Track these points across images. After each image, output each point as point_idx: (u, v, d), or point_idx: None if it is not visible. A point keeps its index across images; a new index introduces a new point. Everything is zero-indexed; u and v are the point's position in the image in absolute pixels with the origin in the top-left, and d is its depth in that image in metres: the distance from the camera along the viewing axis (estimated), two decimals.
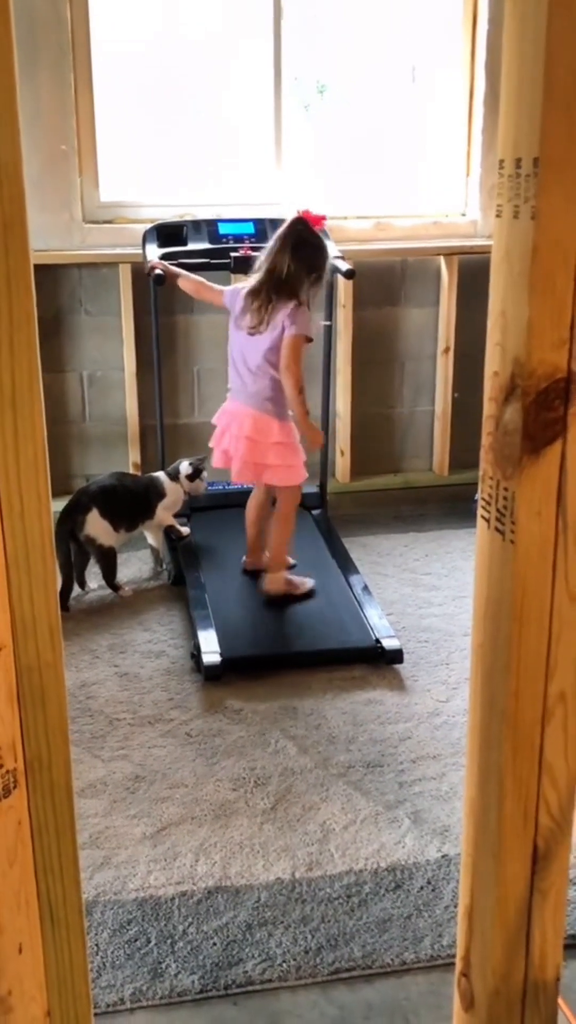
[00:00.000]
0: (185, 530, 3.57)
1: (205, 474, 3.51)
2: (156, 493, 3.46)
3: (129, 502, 3.39)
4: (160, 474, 3.52)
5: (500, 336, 0.95)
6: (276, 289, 2.95)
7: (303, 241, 2.95)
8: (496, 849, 1.07)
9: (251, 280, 3.03)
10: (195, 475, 3.47)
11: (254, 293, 2.99)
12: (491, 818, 1.07)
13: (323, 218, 3.03)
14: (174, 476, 3.48)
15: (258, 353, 3.01)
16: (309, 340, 2.98)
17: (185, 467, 3.48)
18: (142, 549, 3.66)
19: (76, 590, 3.33)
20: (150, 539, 3.60)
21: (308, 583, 3.21)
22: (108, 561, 3.33)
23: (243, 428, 3.06)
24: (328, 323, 3.79)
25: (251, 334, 3.02)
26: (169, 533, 3.55)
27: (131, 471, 4.01)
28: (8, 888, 1.02)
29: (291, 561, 3.27)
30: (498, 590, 1.01)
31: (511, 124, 0.90)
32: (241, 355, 3.06)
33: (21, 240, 0.86)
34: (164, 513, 3.47)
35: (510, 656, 1.00)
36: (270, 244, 3.02)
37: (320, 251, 2.98)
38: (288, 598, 3.15)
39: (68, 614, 3.21)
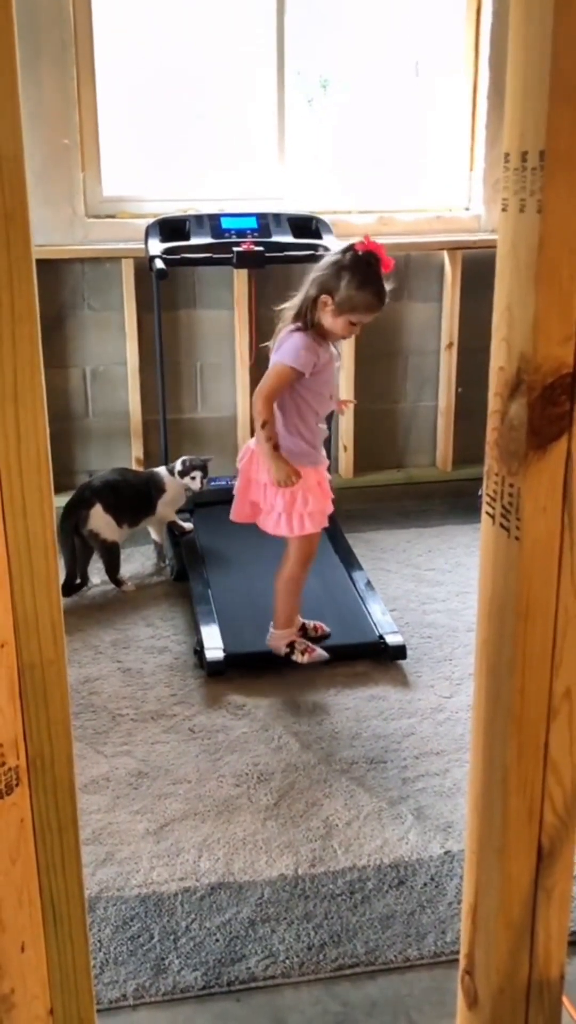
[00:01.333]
0: (188, 525, 3.56)
1: (198, 474, 3.45)
2: (156, 489, 3.45)
3: (132, 497, 3.39)
4: (161, 470, 3.52)
5: (506, 331, 0.94)
6: (296, 306, 2.62)
7: (334, 261, 2.57)
8: (501, 847, 1.06)
9: None
10: (184, 472, 3.44)
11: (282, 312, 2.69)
12: (496, 816, 1.06)
13: (389, 263, 2.60)
14: (173, 472, 3.48)
15: None
16: (300, 374, 2.57)
17: (178, 464, 3.46)
18: (145, 544, 3.65)
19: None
20: (153, 534, 3.59)
21: (319, 655, 2.82)
22: (111, 556, 3.32)
23: (243, 460, 2.80)
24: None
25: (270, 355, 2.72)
26: (172, 529, 3.55)
27: (134, 466, 4.01)
28: (10, 886, 1.02)
29: (300, 621, 2.89)
30: (503, 587, 1.00)
31: (517, 117, 0.89)
32: None
33: (23, 232, 0.85)
34: (165, 509, 3.47)
35: (515, 653, 1.00)
36: None
37: (340, 273, 2.54)
38: (293, 662, 2.82)
39: (71, 609, 3.21)
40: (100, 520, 3.28)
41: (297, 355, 2.55)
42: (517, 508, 0.96)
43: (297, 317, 2.60)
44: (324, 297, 2.55)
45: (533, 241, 0.88)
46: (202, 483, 3.45)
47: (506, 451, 0.97)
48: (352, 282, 2.53)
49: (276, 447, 2.59)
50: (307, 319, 2.58)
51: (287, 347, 2.58)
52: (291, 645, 2.82)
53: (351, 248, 2.58)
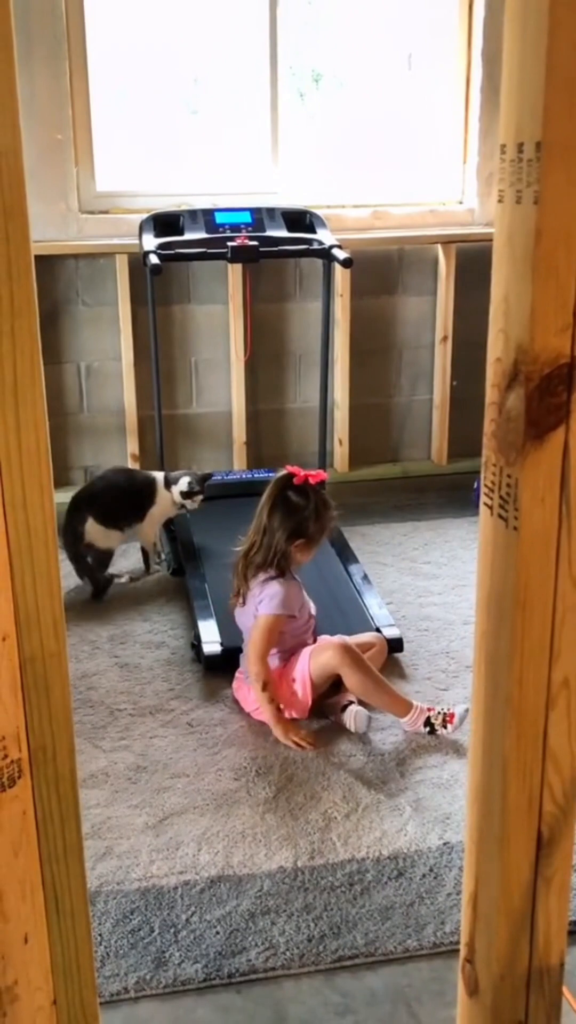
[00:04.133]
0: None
1: (199, 498, 3.39)
2: (148, 498, 3.41)
3: (124, 505, 3.35)
4: (158, 477, 3.44)
5: (503, 322, 0.95)
6: (263, 555, 2.63)
7: (286, 503, 2.62)
8: (500, 836, 1.07)
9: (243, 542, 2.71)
10: (190, 494, 3.37)
11: (245, 556, 2.68)
12: (495, 805, 1.07)
13: (320, 476, 2.68)
14: (169, 484, 3.41)
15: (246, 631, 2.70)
16: (291, 617, 2.60)
17: (183, 484, 3.38)
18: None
19: (77, 583, 3.33)
20: (140, 540, 3.53)
21: (460, 714, 2.53)
22: (101, 563, 3.31)
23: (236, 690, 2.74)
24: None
25: (232, 606, 2.74)
26: (168, 525, 3.54)
27: (129, 462, 4.01)
28: (13, 878, 1.02)
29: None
30: (501, 577, 1.00)
31: (513, 108, 0.89)
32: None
33: (22, 227, 0.86)
34: (152, 519, 3.42)
35: (514, 643, 1.00)
36: (260, 503, 2.68)
37: (294, 513, 2.60)
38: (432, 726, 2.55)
39: (67, 605, 3.20)
40: (95, 532, 3.26)
41: (282, 601, 2.58)
42: (515, 498, 0.96)
43: (266, 565, 2.63)
44: (299, 543, 2.62)
45: (530, 232, 0.89)
46: (199, 505, 3.41)
47: (504, 442, 0.97)
48: (311, 519, 2.61)
49: (278, 708, 2.56)
50: (279, 564, 2.62)
51: (268, 597, 2.59)
52: (428, 723, 2.54)
53: (287, 486, 2.63)
